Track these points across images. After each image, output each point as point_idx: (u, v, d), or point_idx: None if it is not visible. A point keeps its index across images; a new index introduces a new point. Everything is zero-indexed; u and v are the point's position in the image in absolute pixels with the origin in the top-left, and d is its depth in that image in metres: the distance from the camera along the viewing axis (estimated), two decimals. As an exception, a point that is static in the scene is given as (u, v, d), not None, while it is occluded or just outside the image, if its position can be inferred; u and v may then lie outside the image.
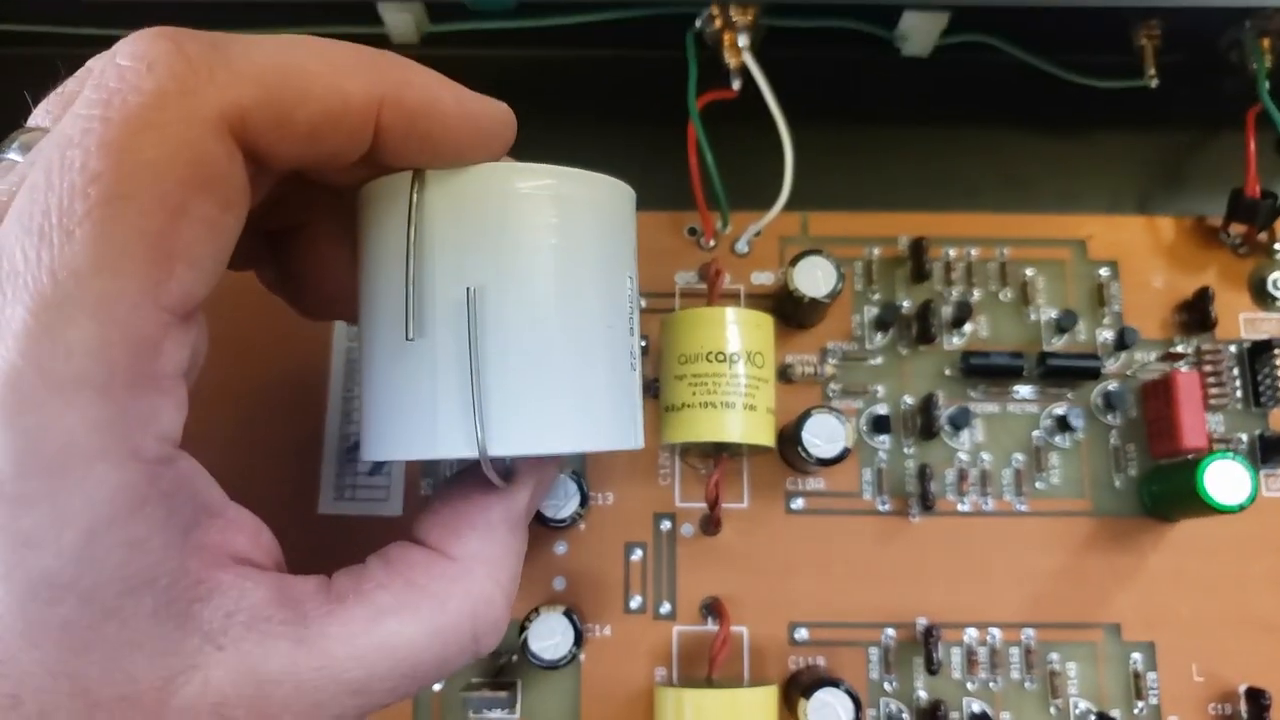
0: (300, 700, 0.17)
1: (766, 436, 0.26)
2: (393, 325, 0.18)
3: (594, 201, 0.19)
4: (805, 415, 0.26)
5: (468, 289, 0.18)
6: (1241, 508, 0.25)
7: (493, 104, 0.19)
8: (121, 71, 0.15)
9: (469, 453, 0.18)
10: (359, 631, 0.18)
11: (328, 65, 0.16)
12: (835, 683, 0.25)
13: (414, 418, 0.18)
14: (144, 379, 0.15)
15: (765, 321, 0.27)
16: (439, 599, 0.19)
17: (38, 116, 0.18)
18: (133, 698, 0.16)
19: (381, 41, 0.33)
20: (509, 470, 0.20)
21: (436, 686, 0.27)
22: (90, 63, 0.17)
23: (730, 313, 0.26)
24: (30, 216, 0.14)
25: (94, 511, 0.14)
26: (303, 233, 0.22)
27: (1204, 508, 0.26)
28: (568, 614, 0.25)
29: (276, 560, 0.19)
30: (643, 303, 0.29)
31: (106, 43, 0.16)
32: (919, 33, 0.31)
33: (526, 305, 0.18)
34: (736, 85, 0.30)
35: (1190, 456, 0.27)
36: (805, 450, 0.26)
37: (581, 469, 0.28)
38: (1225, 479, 0.25)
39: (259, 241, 0.22)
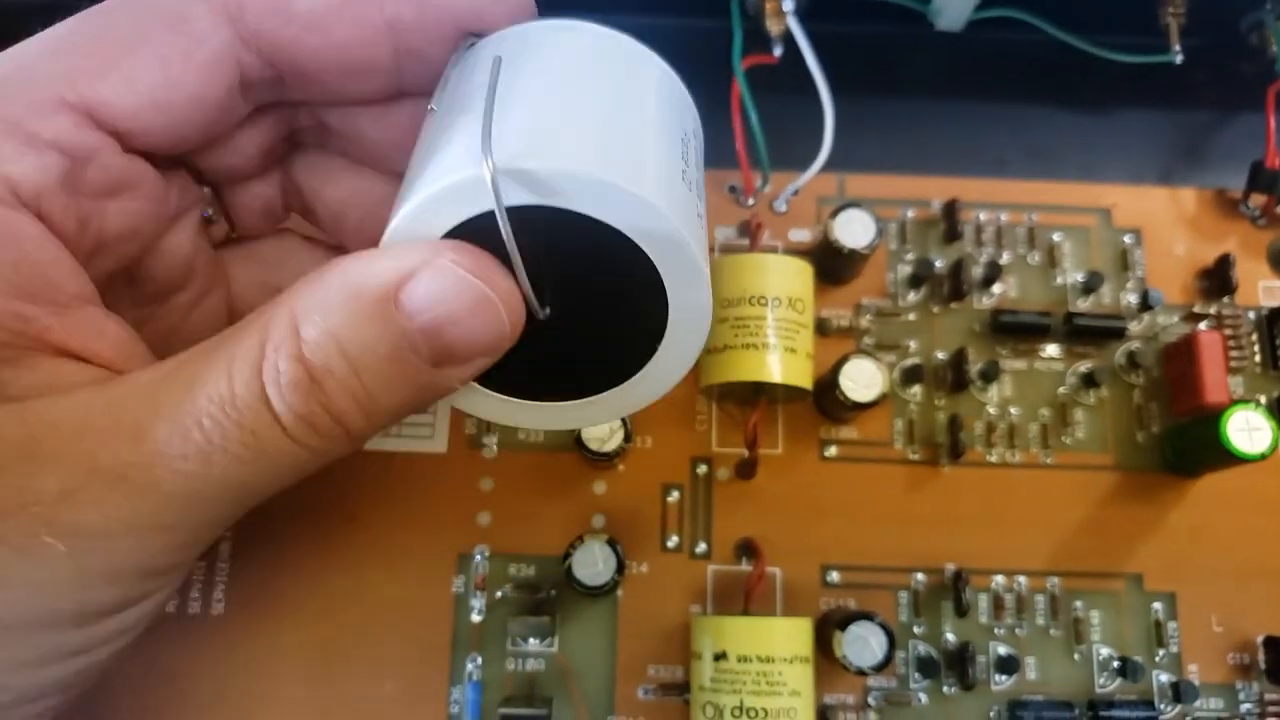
0: (74, 448, 0.15)
1: (805, 379, 0.27)
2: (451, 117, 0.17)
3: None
4: (842, 360, 0.27)
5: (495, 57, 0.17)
6: (1263, 456, 0.26)
7: None
8: None
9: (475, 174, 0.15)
10: (166, 368, 0.16)
11: None
12: (869, 616, 0.25)
13: (437, 161, 0.16)
14: (24, 128, 0.15)
15: (806, 270, 0.28)
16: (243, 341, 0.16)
17: None
18: None
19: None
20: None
21: (476, 617, 0.27)
22: None
23: (772, 259, 0.27)
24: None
25: None
26: (300, 158, 0.23)
27: (1227, 457, 0.26)
28: (610, 543, 0.26)
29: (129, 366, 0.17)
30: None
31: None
32: (952, 7, 0.32)
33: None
34: (778, 52, 0.31)
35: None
36: (842, 394, 0.27)
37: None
38: (1248, 428, 0.26)
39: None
